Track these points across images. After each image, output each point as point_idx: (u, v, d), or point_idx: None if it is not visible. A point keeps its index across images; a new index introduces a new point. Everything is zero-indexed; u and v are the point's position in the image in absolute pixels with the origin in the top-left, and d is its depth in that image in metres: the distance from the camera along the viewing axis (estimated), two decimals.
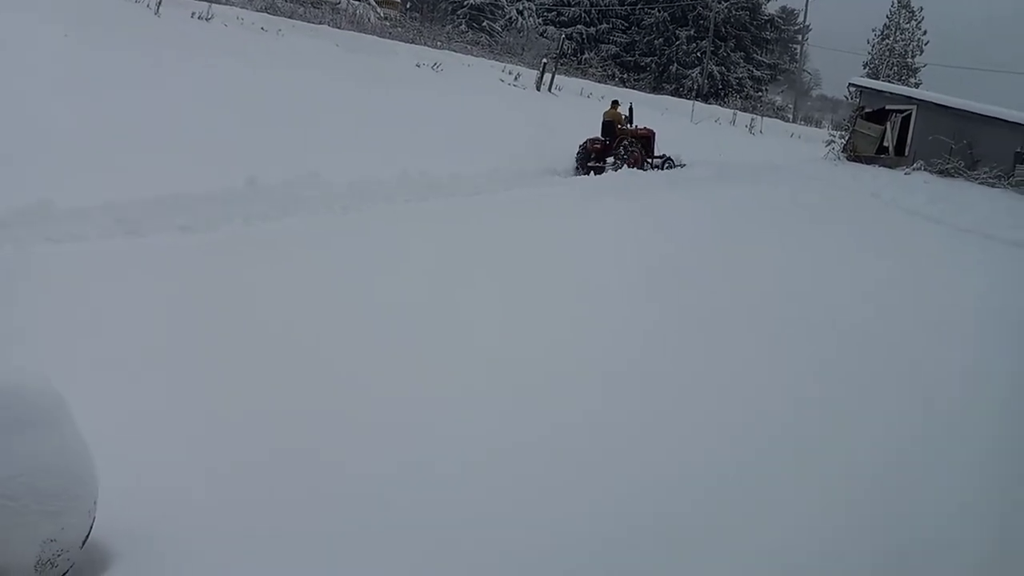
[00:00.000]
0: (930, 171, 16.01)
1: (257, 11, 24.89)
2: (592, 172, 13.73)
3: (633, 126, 15.56)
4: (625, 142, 14.58)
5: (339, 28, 26.62)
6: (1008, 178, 15.09)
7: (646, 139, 15.40)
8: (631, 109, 15.88)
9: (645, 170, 14.41)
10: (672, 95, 38.75)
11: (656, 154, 15.50)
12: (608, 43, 46.60)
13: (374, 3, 36.86)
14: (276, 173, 7.58)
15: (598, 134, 15.04)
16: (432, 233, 7.35)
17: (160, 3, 18.37)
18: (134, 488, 2.68)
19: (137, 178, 6.52)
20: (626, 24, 47.38)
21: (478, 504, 3.08)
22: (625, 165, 13.87)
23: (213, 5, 21.20)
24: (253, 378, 3.76)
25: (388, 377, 4.04)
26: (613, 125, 15.10)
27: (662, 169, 15.07)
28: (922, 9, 56.68)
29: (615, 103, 16.22)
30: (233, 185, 6.98)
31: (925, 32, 56.68)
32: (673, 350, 5.14)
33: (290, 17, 25.74)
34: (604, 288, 6.22)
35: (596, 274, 6.60)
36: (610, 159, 14.19)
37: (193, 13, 19.59)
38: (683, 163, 15.65)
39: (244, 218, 6.45)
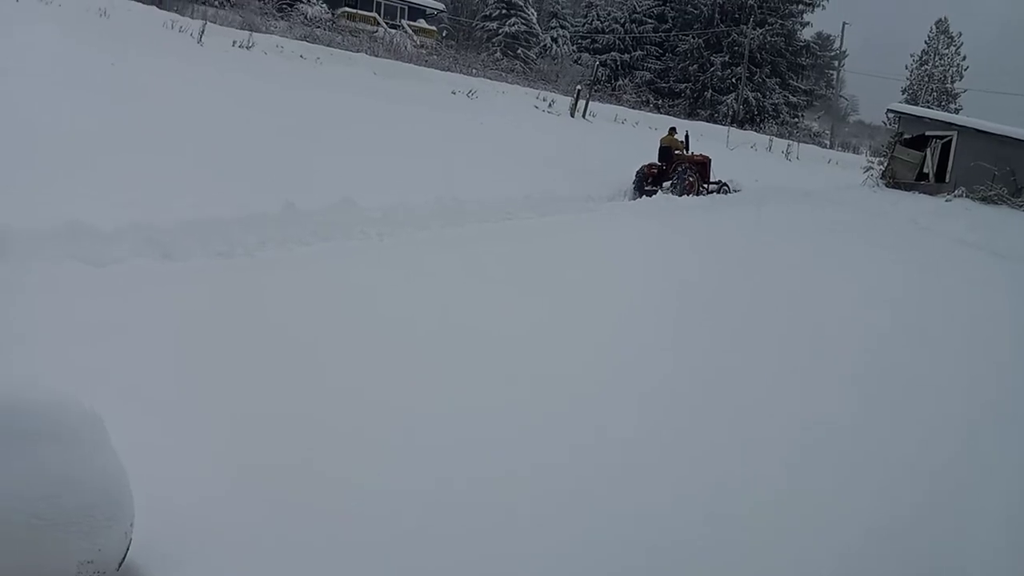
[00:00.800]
0: (972, 198, 15.75)
1: (296, 39, 25.41)
2: (648, 195, 14.04)
3: (690, 152, 15.87)
4: (680, 168, 14.88)
5: (376, 56, 27.07)
6: None
7: (702, 165, 15.70)
8: (687, 136, 16.30)
9: (701, 195, 14.79)
10: (707, 121, 38.71)
11: (712, 180, 15.78)
12: (642, 70, 46.76)
13: (411, 32, 37.49)
14: (313, 198, 7.67)
15: (634, 159, 15.23)
16: (465, 257, 7.38)
17: (203, 32, 18.85)
18: (167, 508, 2.70)
19: (177, 201, 6.64)
20: (660, 51, 47.54)
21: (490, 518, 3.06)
22: (682, 190, 14.29)
23: (254, 34, 21.72)
24: (283, 401, 3.78)
25: (419, 398, 4.04)
26: (670, 151, 15.45)
27: (718, 194, 15.37)
28: (961, 35, 56.22)
29: (672, 130, 16.59)
30: (270, 210, 7.07)
31: (964, 57, 56.16)
32: (706, 369, 5.09)
33: (328, 45, 26.26)
34: (636, 309, 6.19)
35: (630, 296, 6.58)
36: (666, 183, 14.57)
37: (234, 42, 20.08)
38: (738, 188, 15.88)
39: (280, 242, 6.53)
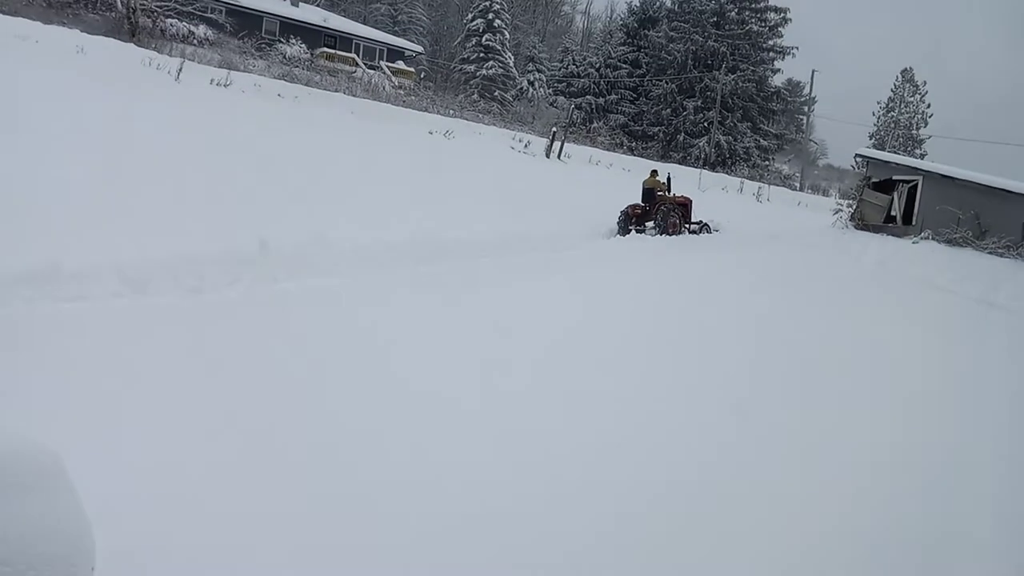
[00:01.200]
0: (938, 240, 16.05)
1: (275, 78, 25.55)
2: (637, 233, 14.62)
3: (671, 194, 16.29)
4: (663, 208, 15.34)
5: (354, 96, 27.25)
6: (1017, 248, 15.09)
7: (684, 206, 16.13)
8: (669, 178, 16.77)
9: (682, 234, 15.30)
10: (679, 163, 39.28)
11: (693, 220, 16.22)
12: (617, 113, 47.47)
13: (389, 73, 37.84)
14: (287, 236, 7.65)
15: (608, 199, 15.59)
16: (442, 295, 7.37)
17: (181, 69, 18.89)
18: (134, 550, 2.63)
19: (150, 238, 6.59)
20: (634, 95, 48.34)
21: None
22: (664, 230, 14.88)
23: (232, 72, 21.80)
24: (252, 441, 3.72)
25: (397, 441, 4.00)
26: (653, 192, 15.87)
27: (698, 234, 15.82)
28: (926, 83, 57.86)
29: (654, 172, 17.20)
30: (244, 247, 7.04)
31: (929, 105, 57.72)
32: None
33: (306, 84, 26.40)
34: (621, 353, 6.20)
35: (612, 339, 6.58)
36: (649, 223, 15.16)
37: (212, 79, 20.11)
38: (718, 228, 16.35)
39: (253, 280, 6.49)
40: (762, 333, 7.63)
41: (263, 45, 33.69)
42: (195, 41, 29.95)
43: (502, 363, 5.50)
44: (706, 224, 16.28)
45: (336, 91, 26.98)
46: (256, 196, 9.60)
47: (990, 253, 15.18)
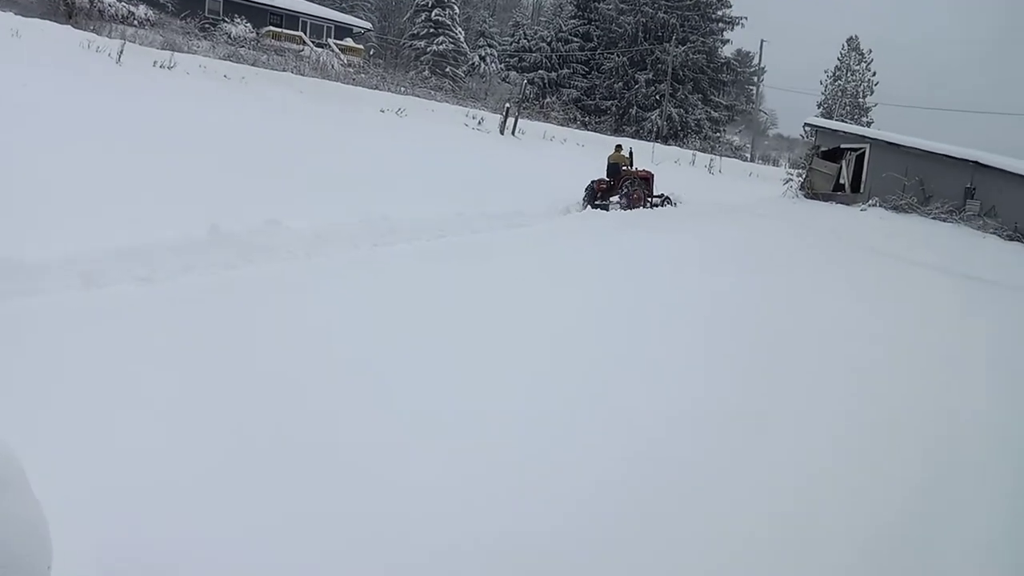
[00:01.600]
0: (885, 207, 16.42)
1: (220, 59, 24.94)
2: (602, 209, 14.78)
3: (634, 168, 16.62)
4: (628, 183, 15.72)
5: (303, 75, 26.76)
6: (959, 213, 15.52)
7: (646, 180, 16.45)
8: (631, 152, 17.08)
9: (647, 208, 15.62)
10: (632, 137, 39.44)
11: (655, 193, 16.50)
12: (569, 87, 47.42)
13: (338, 50, 37.22)
14: (238, 220, 7.54)
15: (564, 175, 15.67)
16: (397, 277, 7.33)
17: (122, 52, 18.36)
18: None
19: (97, 227, 6.44)
20: (586, 69, 48.31)
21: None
22: (630, 204, 15.29)
23: (176, 54, 21.24)
24: (202, 433, 3.69)
25: (352, 426, 3.99)
26: (618, 167, 16.24)
27: (661, 207, 16.14)
28: (871, 51, 58.87)
29: (619, 147, 17.51)
30: (195, 233, 6.91)
31: (875, 73, 58.77)
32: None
33: (253, 64, 25.84)
34: (585, 330, 6.24)
35: (574, 316, 6.62)
36: (614, 198, 15.54)
37: (155, 62, 19.59)
38: (680, 201, 16.60)
39: (206, 267, 6.39)
40: (717, 307, 7.74)
41: (207, 25, 32.84)
42: (135, 22, 29.07)
43: (462, 347, 5.51)
44: (667, 197, 16.59)
45: (284, 71, 26.45)
46: (207, 181, 9.42)
47: (934, 218, 15.60)
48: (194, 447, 3.52)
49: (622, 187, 15.62)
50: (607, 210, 14.66)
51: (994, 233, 14.69)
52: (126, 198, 7.84)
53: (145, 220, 7.01)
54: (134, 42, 22.00)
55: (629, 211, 14.77)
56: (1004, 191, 15.28)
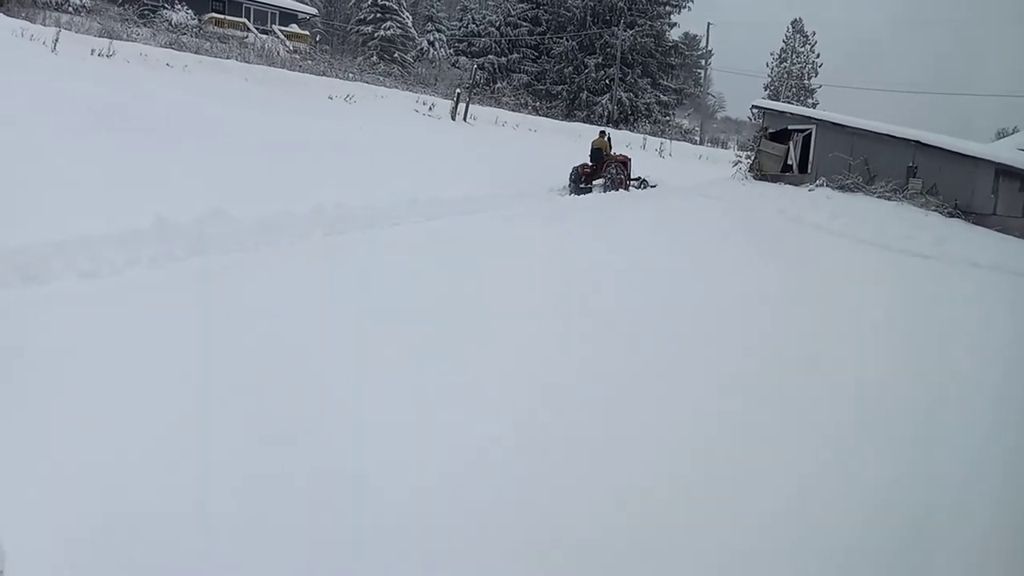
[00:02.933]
0: (832, 187, 16.71)
1: (161, 47, 24.31)
2: (584, 192, 16.22)
3: (613, 153, 17.71)
4: (611, 167, 16.80)
5: (248, 62, 26.24)
6: (902, 191, 15.88)
7: (624, 163, 17.44)
8: (609, 138, 18.22)
9: (628, 190, 16.72)
10: (584, 122, 39.52)
11: (632, 176, 17.49)
12: (520, 72, 47.26)
13: (283, 37, 36.55)
14: (185, 211, 7.37)
15: (519, 160, 16.79)
16: (352, 267, 7.25)
17: (57, 40, 17.78)
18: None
19: (36, 220, 6.24)
20: (536, 54, 48.18)
21: None
22: (613, 186, 16.46)
23: (115, 42, 20.65)
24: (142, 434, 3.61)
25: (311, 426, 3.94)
26: (601, 152, 17.26)
27: (639, 189, 17.14)
28: (815, 33, 59.84)
29: (602, 133, 18.69)
30: (139, 224, 6.74)
31: (819, 55, 59.79)
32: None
33: (196, 52, 25.24)
34: (537, 320, 6.25)
35: (526, 308, 6.62)
36: (598, 181, 16.70)
37: (93, 50, 19.03)
38: (655, 184, 17.58)
39: (151, 259, 6.23)
40: (673, 286, 7.84)
41: (146, 12, 31.95)
42: (70, 9, 28.17)
43: (430, 347, 5.48)
44: (644, 180, 17.48)
45: (228, 58, 25.89)
46: (152, 172, 9.19)
47: (878, 197, 15.92)
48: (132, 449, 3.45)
49: (606, 171, 16.63)
50: (591, 192, 15.99)
51: (936, 211, 15.06)
52: (66, 188, 7.60)
53: (87, 211, 6.82)
54: (70, 29, 21.33)
55: (605, 193, 15.91)
56: (944, 169, 15.68)
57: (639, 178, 17.55)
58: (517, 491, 3.61)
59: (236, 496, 3.26)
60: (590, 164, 17.01)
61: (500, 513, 3.43)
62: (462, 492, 3.54)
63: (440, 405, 4.37)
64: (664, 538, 3.43)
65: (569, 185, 16.42)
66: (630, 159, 17.87)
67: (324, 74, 29.74)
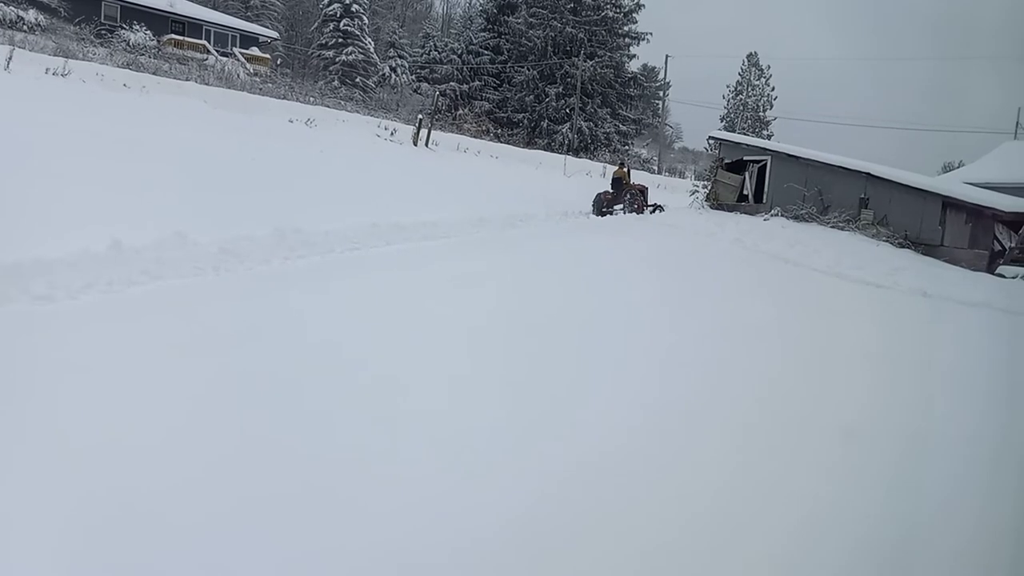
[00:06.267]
0: (786, 216, 17.10)
1: (119, 67, 24.03)
2: (608, 215, 18.44)
3: (631, 182, 19.86)
4: (629, 194, 19.13)
5: (207, 84, 26.03)
6: (855, 222, 16.29)
7: (642, 192, 19.69)
8: (629, 169, 20.67)
9: (644, 214, 18.69)
10: (545, 149, 39.92)
11: (648, 203, 19.58)
12: (481, 99, 47.63)
13: (243, 60, 36.35)
14: (143, 234, 7.25)
15: (481, 186, 17.99)
16: (312, 291, 7.19)
17: (11, 58, 17.47)
18: None
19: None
20: (498, 82, 48.64)
21: None
22: (631, 210, 18.75)
23: (70, 61, 20.35)
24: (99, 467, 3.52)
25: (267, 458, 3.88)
26: (620, 181, 19.50)
27: (653, 213, 18.88)
28: (770, 67, 61.45)
29: (621, 164, 21.34)
30: (95, 248, 6.61)
31: (774, 88, 61.37)
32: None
33: (154, 73, 24.99)
34: (498, 338, 6.25)
35: (483, 328, 6.63)
36: (618, 206, 18.98)
37: (47, 69, 18.72)
38: (664, 208, 19.38)
39: (107, 283, 6.11)
40: (632, 318, 7.91)
41: (103, 32, 31.59)
42: (25, 27, 27.72)
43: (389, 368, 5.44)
44: (659, 206, 19.52)
45: (187, 80, 25.67)
46: (109, 194, 9.01)
47: (832, 227, 16.32)
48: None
49: (624, 197, 19.00)
50: (612, 215, 18.30)
51: (886, 241, 15.48)
52: (20, 210, 7.43)
53: (40, 234, 6.66)
54: (24, 48, 20.97)
55: (633, 214, 18.33)
56: (894, 201, 16.14)
57: (655, 204, 19.58)
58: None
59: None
60: (611, 191, 19.31)
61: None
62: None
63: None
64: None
65: (593, 209, 18.61)
66: (647, 188, 20.25)
67: (285, 97, 29.66)
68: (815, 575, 3.54)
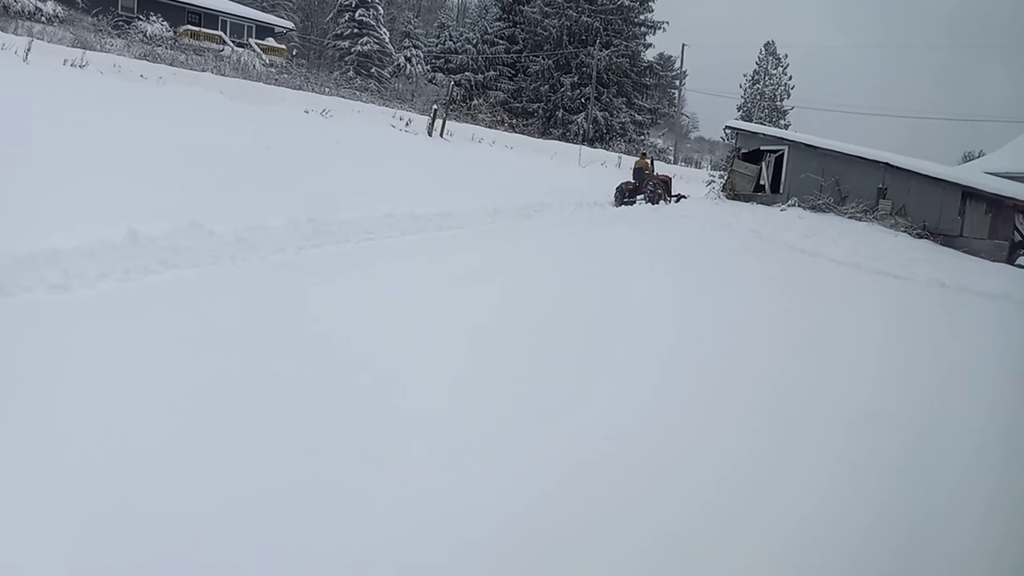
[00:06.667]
0: (803, 207, 16.96)
1: (136, 58, 24.10)
2: (628, 205, 18.74)
3: (655, 172, 20.32)
4: (650, 184, 19.40)
5: (223, 75, 26.10)
6: (872, 212, 16.14)
7: (665, 183, 20.10)
8: (652, 160, 21.34)
9: (667, 203, 18.90)
10: (560, 139, 39.79)
11: (672, 193, 19.89)
12: (496, 89, 47.52)
13: (259, 50, 36.43)
14: (159, 223, 7.30)
15: (495, 176, 17.90)
16: (328, 281, 7.22)
17: (29, 49, 17.59)
18: None
19: (8, 233, 6.14)
20: (512, 72, 48.50)
21: None
22: (653, 200, 18.90)
23: (88, 52, 20.46)
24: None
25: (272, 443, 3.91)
26: (642, 171, 19.91)
27: (676, 203, 18.95)
28: (787, 56, 60.86)
29: (643, 155, 21.57)
30: (111, 238, 6.66)
31: (791, 77, 60.81)
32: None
33: (171, 64, 25.07)
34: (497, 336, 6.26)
35: (492, 327, 6.64)
36: (640, 196, 19.21)
37: (65, 60, 18.82)
38: (687, 196, 19.55)
39: (124, 272, 6.16)
40: (639, 311, 7.89)
41: (120, 23, 31.71)
42: (43, 19, 27.88)
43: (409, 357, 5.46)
44: (684, 196, 19.60)
45: (203, 71, 25.73)
46: (126, 185, 9.08)
47: (849, 217, 16.17)
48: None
49: (646, 187, 19.18)
50: (633, 204, 18.57)
51: (904, 231, 15.33)
52: (37, 201, 7.50)
53: (58, 223, 6.72)
54: (42, 39, 21.10)
55: (649, 204, 18.52)
56: (912, 191, 15.97)
57: (678, 195, 19.72)
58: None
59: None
60: (633, 181, 19.58)
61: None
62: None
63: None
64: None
65: (615, 199, 18.91)
66: (671, 178, 20.65)
67: (300, 88, 29.66)
68: (818, 572, 3.51)
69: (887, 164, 16.41)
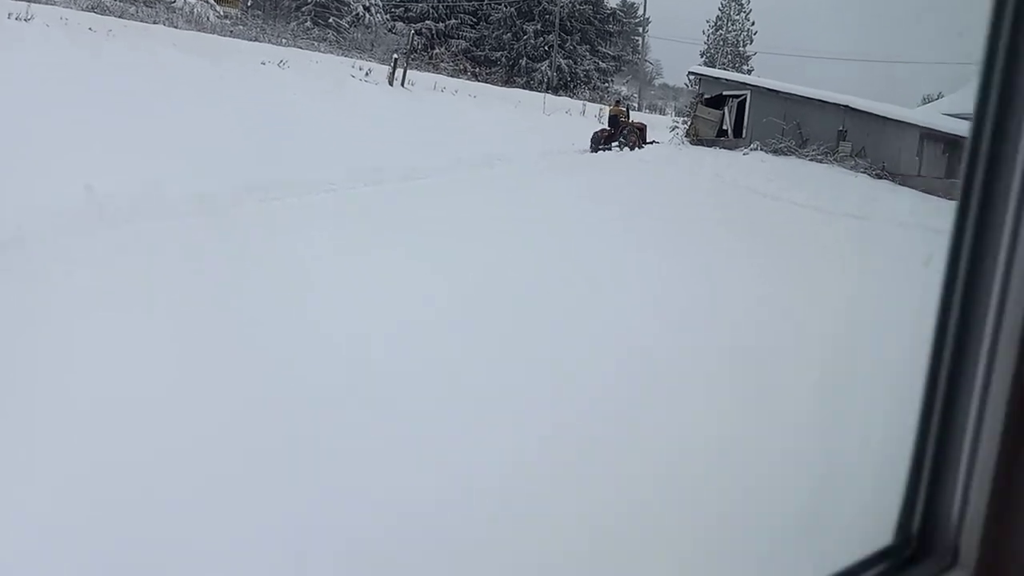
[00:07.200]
0: (765, 151, 17.09)
1: (83, 10, 23.31)
2: (603, 151, 19.04)
3: (630, 119, 20.61)
4: (625, 131, 19.66)
5: (176, 28, 25.37)
6: (833, 154, 16.33)
7: (640, 130, 20.32)
8: (628, 107, 22.10)
9: (642, 148, 19.18)
10: (523, 88, 39.40)
11: (648, 140, 20.02)
12: (458, 38, 46.72)
13: (213, 1, 35.37)
14: (114, 182, 7.18)
15: (458, 127, 17.91)
16: (294, 234, 7.19)
17: None
18: None
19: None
20: (474, 19, 47.66)
21: None
22: (629, 146, 19.07)
23: (32, 5, 19.73)
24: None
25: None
26: (617, 118, 20.32)
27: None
28: (750, 1, 60.46)
29: (618, 102, 22.66)
30: (70, 198, 6.55)
31: (754, 23, 60.52)
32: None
33: (120, 17, 24.27)
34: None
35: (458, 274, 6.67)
36: (615, 143, 19.43)
37: (10, 14, 18.14)
38: (657, 142, 19.77)
39: (84, 229, 6.08)
40: (599, 261, 7.96)
41: None
42: None
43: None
44: (656, 142, 19.73)
45: (155, 23, 24.99)
46: (81, 145, 8.87)
47: (811, 160, 16.35)
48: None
49: (620, 134, 19.46)
50: (609, 151, 18.85)
51: (864, 173, 15.55)
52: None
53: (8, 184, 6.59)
54: None
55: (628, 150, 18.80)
56: (872, 133, 16.17)
57: (653, 141, 19.92)
58: None
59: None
60: (608, 128, 19.98)
61: None
62: None
63: None
64: None
65: (591, 145, 19.15)
66: (646, 126, 20.81)
67: (256, 39, 28.95)
68: None
69: (847, 107, 16.55)
